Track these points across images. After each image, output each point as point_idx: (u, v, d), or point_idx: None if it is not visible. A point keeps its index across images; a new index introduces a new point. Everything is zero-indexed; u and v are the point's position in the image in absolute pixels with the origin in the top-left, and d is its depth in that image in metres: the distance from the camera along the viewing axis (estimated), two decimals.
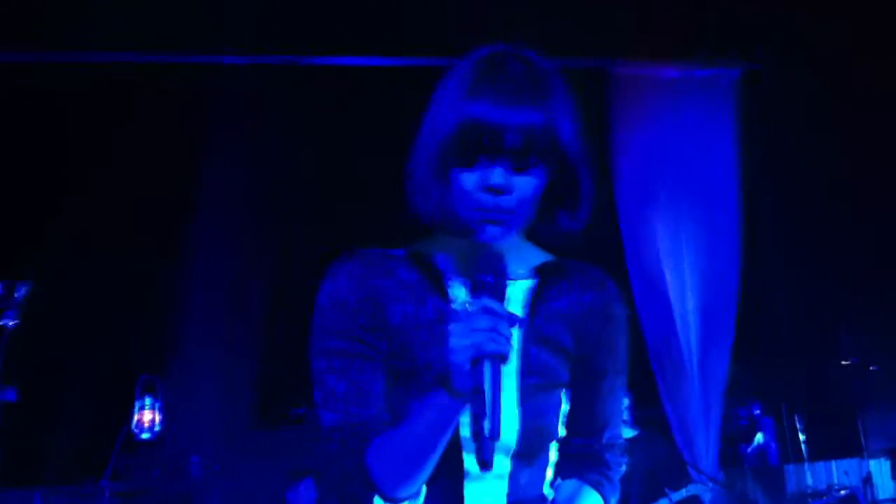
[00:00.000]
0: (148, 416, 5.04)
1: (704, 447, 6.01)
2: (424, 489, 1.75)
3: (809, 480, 6.11)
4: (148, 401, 5.03)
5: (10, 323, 3.47)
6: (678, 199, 6.34)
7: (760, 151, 6.54)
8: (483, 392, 1.54)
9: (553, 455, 1.91)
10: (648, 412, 5.88)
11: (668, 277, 6.26)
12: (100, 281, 5.59)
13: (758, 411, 6.48)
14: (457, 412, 1.65)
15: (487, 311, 1.58)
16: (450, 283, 1.85)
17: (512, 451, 1.80)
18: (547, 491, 1.91)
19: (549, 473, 1.91)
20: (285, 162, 5.94)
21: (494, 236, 1.75)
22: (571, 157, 1.76)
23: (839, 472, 6.10)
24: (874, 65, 5.92)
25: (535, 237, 1.92)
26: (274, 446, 5.89)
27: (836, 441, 6.16)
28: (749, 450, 6.49)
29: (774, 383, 6.49)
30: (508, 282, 1.78)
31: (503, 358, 1.57)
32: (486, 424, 1.52)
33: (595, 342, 1.91)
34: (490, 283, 1.63)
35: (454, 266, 1.88)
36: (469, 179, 1.72)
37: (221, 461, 5.60)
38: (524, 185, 1.72)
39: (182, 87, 5.86)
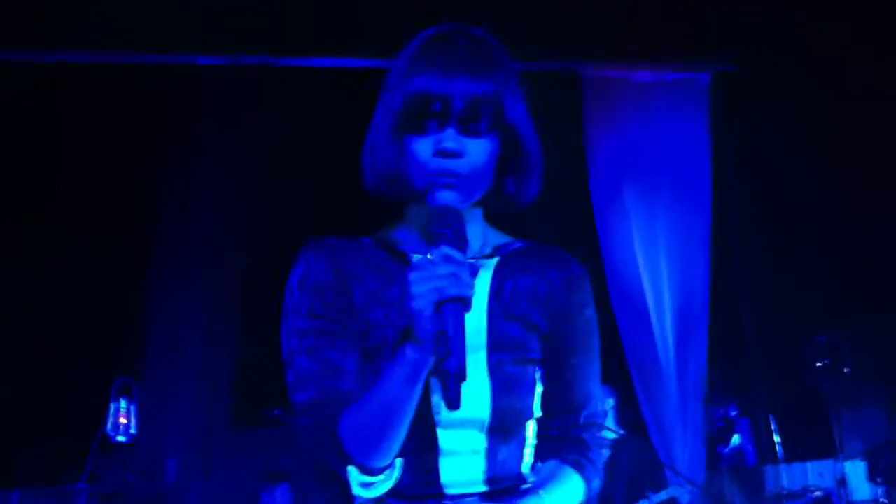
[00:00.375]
0: (123, 418, 5.10)
1: (682, 448, 6.07)
2: (400, 463, 1.74)
3: (785, 481, 6.16)
4: (123, 403, 5.08)
5: None
6: (652, 201, 6.42)
7: (733, 153, 6.62)
8: (447, 335, 1.56)
9: (531, 435, 1.93)
10: (633, 414, 5.95)
11: (644, 278, 6.34)
12: (76, 281, 5.64)
13: (735, 412, 6.53)
14: (423, 364, 1.64)
15: (447, 258, 1.60)
16: (413, 258, 1.88)
17: (486, 426, 1.82)
18: (526, 471, 1.91)
19: (528, 454, 1.92)
20: (265, 162, 6.02)
21: (448, 201, 1.78)
22: (519, 126, 1.83)
23: (814, 474, 6.15)
24: (850, 66, 6.00)
25: (497, 221, 1.99)
26: (250, 448, 5.93)
27: (812, 442, 6.22)
28: (726, 451, 6.55)
29: (750, 384, 6.55)
30: (473, 260, 1.84)
31: (465, 301, 1.59)
32: (452, 363, 1.54)
33: (564, 317, 1.95)
34: (449, 235, 1.65)
35: (418, 241, 1.92)
36: (422, 146, 1.78)
37: (198, 463, 5.64)
38: (476, 148, 1.78)
39: (153, 87, 5.93)
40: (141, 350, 5.84)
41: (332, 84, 6.17)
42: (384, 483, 1.74)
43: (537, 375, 1.93)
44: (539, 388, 1.93)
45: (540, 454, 1.94)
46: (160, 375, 5.80)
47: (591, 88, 6.53)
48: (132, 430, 5.09)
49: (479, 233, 1.94)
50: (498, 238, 1.99)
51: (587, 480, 1.93)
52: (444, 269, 1.59)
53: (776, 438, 6.16)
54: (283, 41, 6.13)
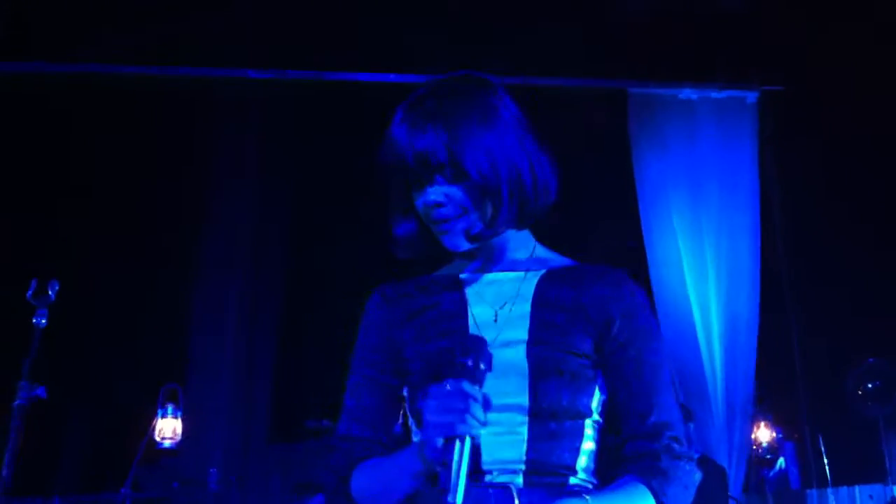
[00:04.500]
0: (170, 424, 5.22)
1: (727, 469, 6.12)
2: None
3: None
4: (170, 409, 5.21)
5: (42, 321, 3.54)
6: (700, 219, 6.55)
7: (781, 172, 6.70)
8: (450, 467, 1.71)
9: (591, 436, 1.98)
10: None
11: (692, 297, 6.46)
12: (125, 292, 5.78)
13: (779, 436, 6.56)
14: (425, 475, 1.84)
15: (462, 393, 1.75)
16: (474, 308, 2.04)
17: (527, 410, 1.90)
18: (580, 467, 1.94)
19: (586, 453, 1.96)
20: (309, 178, 6.14)
21: (454, 244, 2.00)
22: (477, 167, 1.98)
23: (863, 497, 6.17)
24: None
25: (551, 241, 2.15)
26: (291, 460, 6.02)
27: (862, 466, 6.24)
28: (770, 474, 6.58)
29: (796, 407, 6.59)
30: (520, 273, 2.04)
31: (472, 438, 1.75)
32: (451, 497, 1.69)
33: (615, 326, 2.00)
34: (468, 366, 1.78)
35: (468, 265, 2.11)
36: (418, 199, 2.01)
37: (239, 474, 5.74)
38: (454, 193, 1.98)
39: (210, 101, 6.10)
40: (184, 361, 5.94)
41: (379, 101, 6.23)
42: None
43: (594, 377, 1.98)
44: (599, 395, 1.99)
45: (613, 474, 1.97)
46: (203, 387, 5.90)
47: (637, 105, 6.61)
48: (178, 437, 5.20)
49: (527, 249, 2.10)
50: (547, 254, 2.12)
51: (655, 492, 1.90)
52: (457, 405, 1.75)
53: (825, 461, 6.17)
54: (330, 57, 6.24)
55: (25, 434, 3.73)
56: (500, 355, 1.90)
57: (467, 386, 1.76)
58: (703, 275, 6.53)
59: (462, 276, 2.10)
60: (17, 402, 3.38)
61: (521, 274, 2.06)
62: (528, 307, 2.00)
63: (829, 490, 6.25)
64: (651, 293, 6.46)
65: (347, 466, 2.02)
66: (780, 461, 6.74)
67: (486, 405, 1.79)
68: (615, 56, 6.29)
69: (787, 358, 6.72)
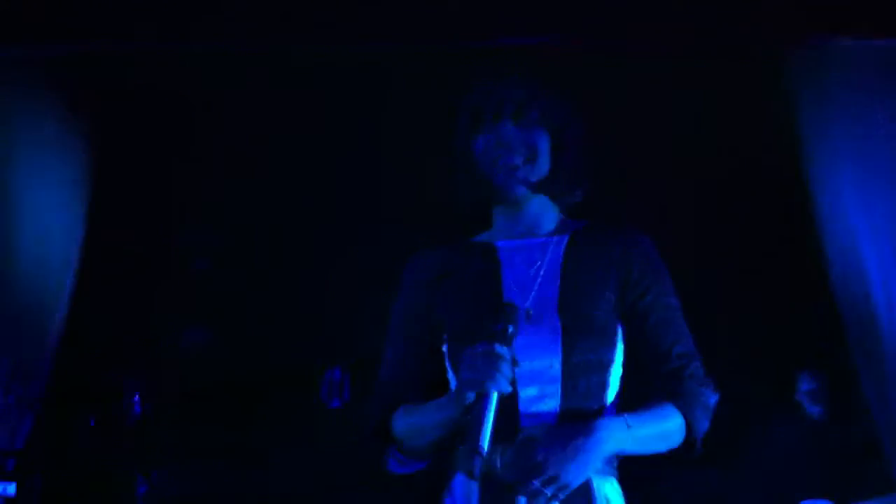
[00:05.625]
0: None
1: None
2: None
3: None
4: None
5: (204, 266, 3.73)
6: (871, 179, 6.24)
7: None
8: (481, 419, 1.98)
9: (615, 385, 2.26)
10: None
11: (866, 252, 6.18)
12: None
13: None
14: (454, 424, 2.14)
15: (495, 355, 2.02)
16: (507, 271, 2.35)
17: (559, 360, 2.18)
18: (609, 401, 2.24)
19: (609, 405, 2.24)
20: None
21: (509, 185, 2.31)
22: (566, 127, 2.37)
23: None
24: None
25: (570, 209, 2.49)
26: None
27: None
28: None
29: None
30: (545, 238, 2.36)
31: (500, 394, 2.03)
32: (480, 443, 1.95)
33: (635, 280, 2.30)
34: (499, 331, 2.07)
35: (503, 233, 2.43)
36: (484, 141, 2.33)
37: None
38: (532, 138, 2.31)
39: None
40: None
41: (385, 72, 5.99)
42: (417, 466, 2.37)
43: (617, 329, 2.29)
44: (621, 346, 2.30)
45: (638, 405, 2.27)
46: None
47: (796, 61, 6.38)
48: None
49: (553, 218, 2.45)
50: (568, 220, 2.48)
51: (685, 412, 2.21)
52: (490, 365, 2.01)
53: None
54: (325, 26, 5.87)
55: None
56: (534, 315, 2.23)
57: (497, 347, 2.01)
58: (876, 232, 6.27)
59: (496, 243, 2.40)
60: None
61: (551, 239, 2.37)
62: (558, 269, 2.30)
63: None
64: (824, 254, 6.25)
65: (390, 407, 2.36)
66: None
67: (515, 364, 2.05)
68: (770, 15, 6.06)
69: None
